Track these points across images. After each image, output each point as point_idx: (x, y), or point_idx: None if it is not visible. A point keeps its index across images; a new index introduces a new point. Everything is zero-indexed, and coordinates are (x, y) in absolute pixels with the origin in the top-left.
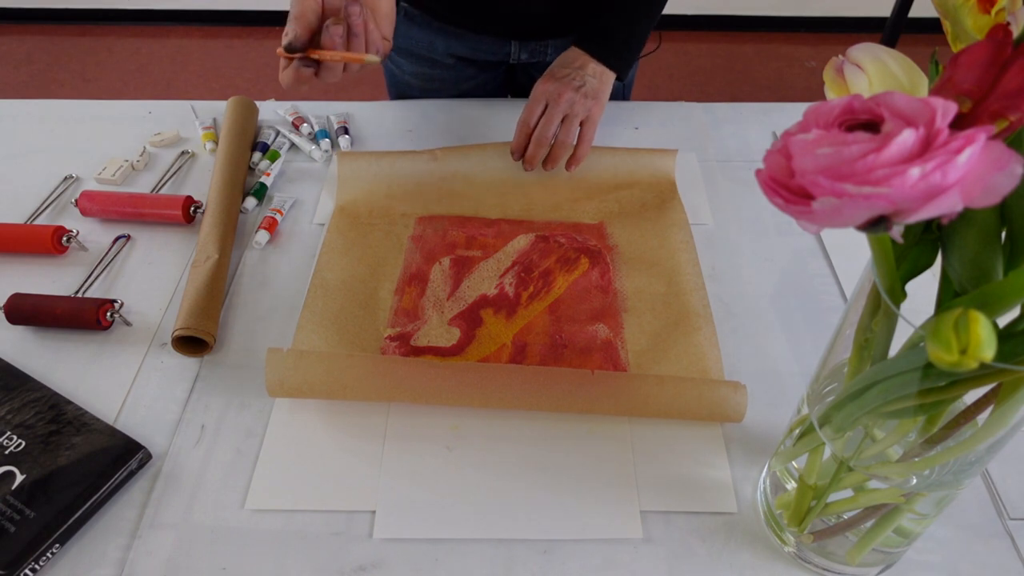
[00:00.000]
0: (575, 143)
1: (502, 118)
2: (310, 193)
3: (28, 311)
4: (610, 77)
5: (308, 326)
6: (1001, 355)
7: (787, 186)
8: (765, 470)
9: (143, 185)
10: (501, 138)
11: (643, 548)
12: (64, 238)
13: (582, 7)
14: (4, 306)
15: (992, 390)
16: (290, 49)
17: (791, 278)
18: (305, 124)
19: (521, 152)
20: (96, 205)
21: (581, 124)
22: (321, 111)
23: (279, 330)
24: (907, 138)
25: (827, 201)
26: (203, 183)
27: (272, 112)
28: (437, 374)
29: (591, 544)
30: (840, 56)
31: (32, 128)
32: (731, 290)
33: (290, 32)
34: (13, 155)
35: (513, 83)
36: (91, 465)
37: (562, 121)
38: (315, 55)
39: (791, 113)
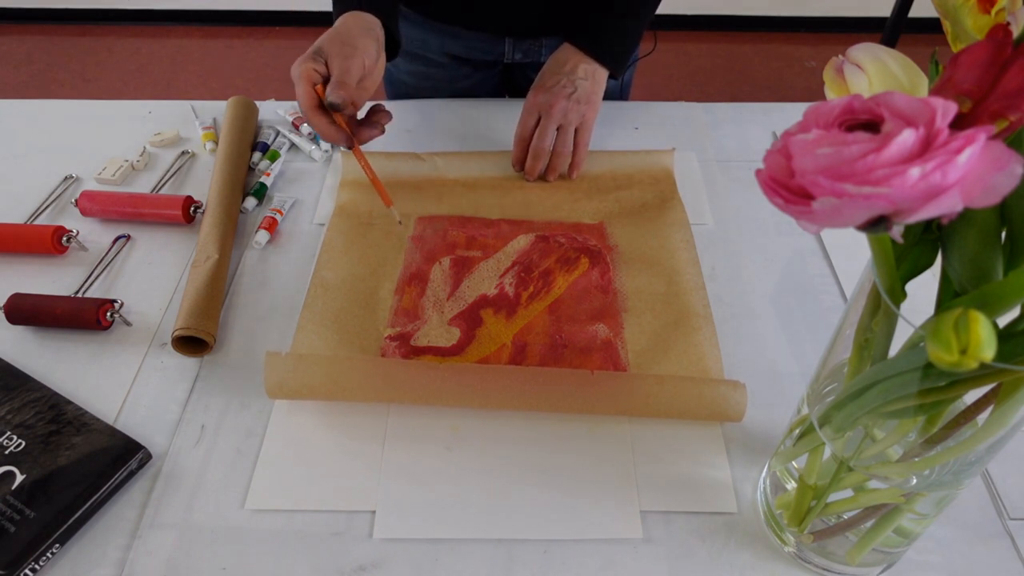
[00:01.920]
0: (572, 151)
1: (501, 118)
2: (310, 193)
3: (28, 311)
4: (603, 76)
5: (308, 326)
6: (1001, 355)
7: (787, 186)
8: (765, 470)
9: (143, 185)
10: (500, 138)
11: (643, 548)
12: (64, 238)
13: (574, 4)
14: (4, 306)
15: (992, 390)
16: (333, 109)
17: (791, 278)
18: (305, 124)
19: (520, 164)
20: (96, 205)
21: (576, 130)
22: None
23: (279, 330)
24: (907, 138)
25: (827, 201)
26: (203, 183)
27: (272, 112)
28: (437, 376)
29: (591, 544)
30: (840, 56)
31: (32, 128)
32: (731, 290)
33: (337, 97)
34: (13, 155)
35: (510, 83)
36: (91, 465)
37: (558, 130)
38: (357, 155)
39: (791, 113)
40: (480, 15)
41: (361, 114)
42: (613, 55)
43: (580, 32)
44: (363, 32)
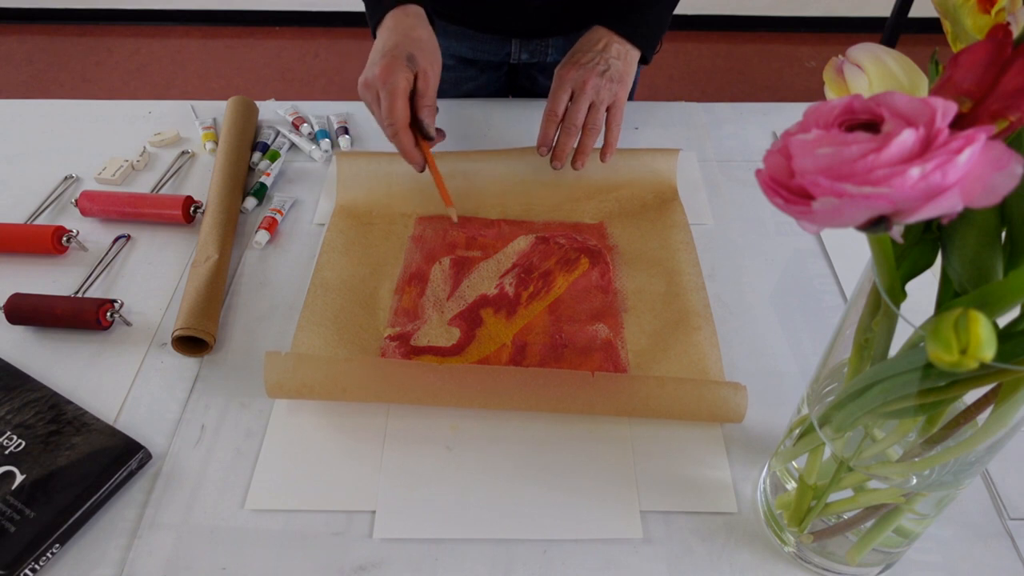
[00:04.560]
0: (604, 130)
1: (503, 118)
2: (310, 193)
3: (28, 311)
4: (635, 57)
5: (308, 326)
6: (1001, 355)
7: (787, 186)
8: (765, 470)
9: (143, 185)
10: (502, 138)
11: (643, 548)
12: (64, 238)
13: (582, 3)
14: (4, 306)
15: (992, 390)
16: (427, 139)
17: (791, 278)
18: (305, 124)
19: (549, 144)
20: (96, 205)
21: (608, 110)
22: (321, 111)
23: (279, 330)
24: (907, 138)
25: (827, 201)
26: (203, 183)
27: (272, 112)
28: (436, 377)
29: (591, 544)
30: (840, 56)
31: (32, 128)
32: (731, 290)
33: (431, 126)
34: (13, 155)
35: (514, 84)
36: (91, 465)
37: (588, 107)
38: (431, 162)
39: (791, 113)
40: (488, 16)
41: None
42: (644, 35)
43: (613, 14)
44: (432, 34)
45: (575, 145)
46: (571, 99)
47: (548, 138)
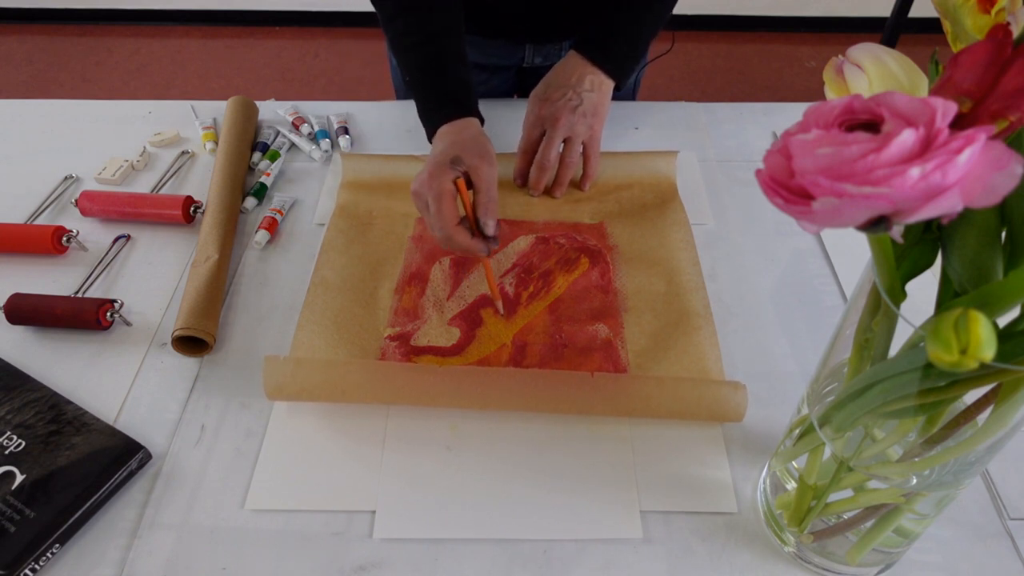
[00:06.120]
0: (581, 163)
1: (506, 118)
2: (310, 193)
3: (28, 311)
4: (609, 87)
5: (308, 325)
6: (1001, 355)
7: (787, 186)
8: (765, 470)
9: (143, 185)
10: (506, 138)
11: (643, 548)
12: (64, 238)
13: (593, 6)
14: (4, 306)
15: (992, 390)
16: (486, 237)
17: (791, 278)
18: (305, 124)
19: (524, 177)
20: (96, 205)
21: (584, 143)
22: (321, 111)
23: (279, 330)
24: (907, 138)
25: (827, 201)
26: (203, 183)
27: (272, 112)
28: (436, 380)
29: (591, 544)
30: (840, 56)
31: (32, 128)
32: (731, 290)
33: (489, 225)
34: (13, 155)
35: (523, 85)
36: (91, 465)
37: (565, 142)
38: (486, 263)
39: (791, 113)
40: (500, 24)
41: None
42: (620, 66)
43: (590, 42)
44: (487, 139)
45: (551, 179)
46: (544, 134)
47: (522, 173)
